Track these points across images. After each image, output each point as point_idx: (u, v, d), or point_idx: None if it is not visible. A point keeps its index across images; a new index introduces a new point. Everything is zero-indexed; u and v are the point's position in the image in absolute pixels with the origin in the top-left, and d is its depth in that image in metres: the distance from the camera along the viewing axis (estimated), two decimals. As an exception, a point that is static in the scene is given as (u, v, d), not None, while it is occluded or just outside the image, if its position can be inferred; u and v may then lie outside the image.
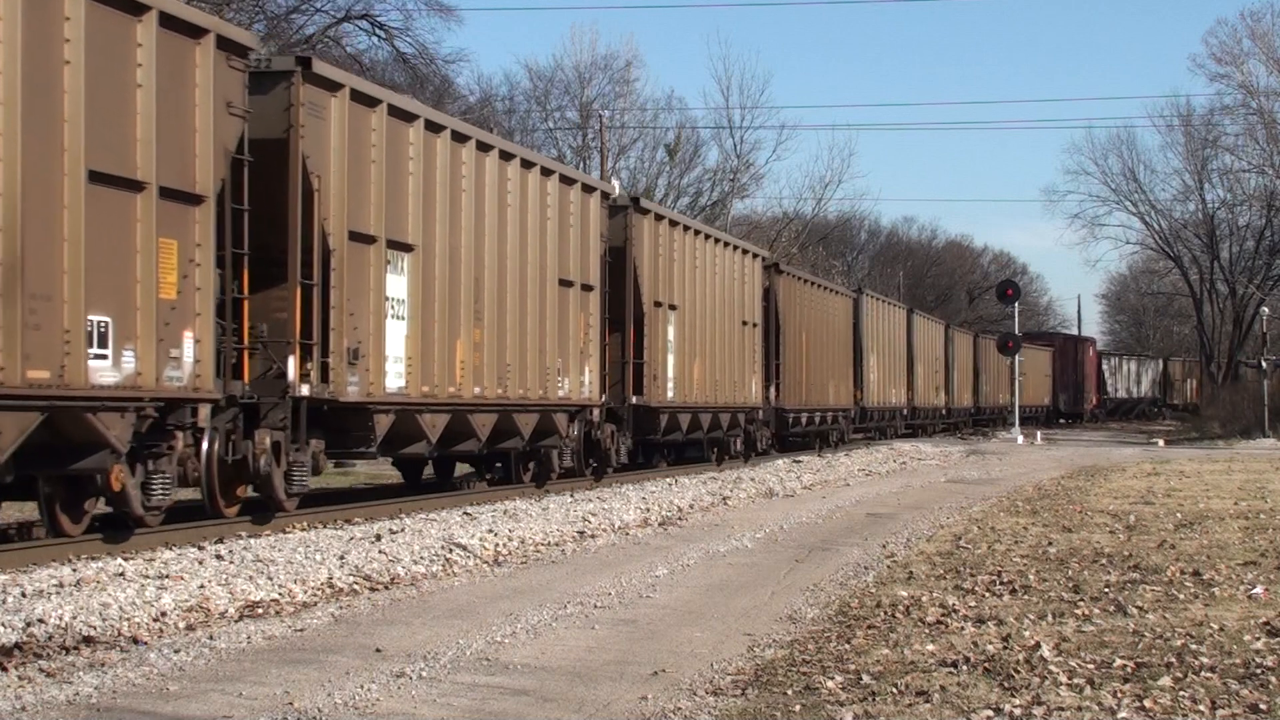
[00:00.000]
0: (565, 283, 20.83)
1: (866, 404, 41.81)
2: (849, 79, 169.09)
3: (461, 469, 21.95)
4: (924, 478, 26.97)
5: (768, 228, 64.23)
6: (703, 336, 26.95)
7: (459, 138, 17.91)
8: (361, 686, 7.71)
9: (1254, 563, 12.85)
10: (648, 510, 17.70)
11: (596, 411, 22.05)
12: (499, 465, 21.40)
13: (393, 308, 16.28)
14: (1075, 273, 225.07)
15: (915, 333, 49.24)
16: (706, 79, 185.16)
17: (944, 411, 55.58)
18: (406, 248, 16.64)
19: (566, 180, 21.16)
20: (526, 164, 19.77)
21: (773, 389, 31.84)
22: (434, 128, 17.24)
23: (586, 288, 21.61)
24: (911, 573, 12.24)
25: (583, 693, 7.67)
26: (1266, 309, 56.52)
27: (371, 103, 15.90)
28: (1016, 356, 53.41)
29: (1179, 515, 17.71)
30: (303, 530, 14.42)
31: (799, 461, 29.91)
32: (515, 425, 19.35)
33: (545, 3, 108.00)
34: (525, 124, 57.82)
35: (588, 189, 21.83)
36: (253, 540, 13.22)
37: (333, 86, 15.20)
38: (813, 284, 37.03)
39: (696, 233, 27.43)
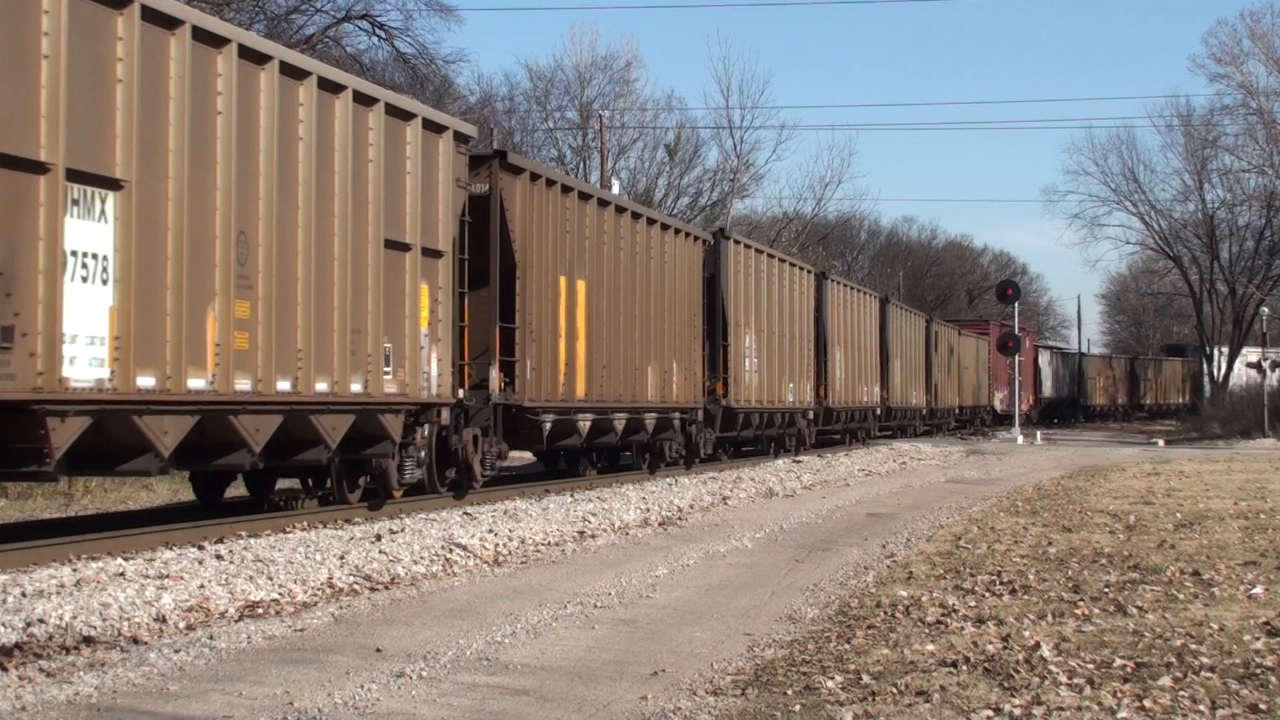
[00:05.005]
0: None
1: (734, 402, 28.26)
2: (849, 79, 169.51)
3: None
4: (924, 478, 26.98)
5: (768, 228, 64.22)
6: (257, 260, 13.52)
7: None
8: (361, 686, 7.72)
9: (1254, 563, 12.85)
10: (648, 510, 17.70)
11: None
12: None
13: None
14: (1075, 273, 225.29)
15: (830, 305, 36.07)
16: (706, 79, 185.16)
17: (878, 413, 42.26)
18: None
19: None
20: None
21: (495, 371, 18.59)
22: None
23: None
24: (911, 573, 12.24)
25: (583, 693, 7.67)
26: (1266, 309, 56.55)
27: None
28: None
29: (1179, 515, 17.71)
30: (303, 530, 14.42)
31: (799, 461, 29.90)
32: None
33: (545, 3, 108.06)
34: (525, 124, 57.88)
35: None
36: (253, 540, 13.22)
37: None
38: (602, 203, 22.28)
39: (218, 40, 12.84)
